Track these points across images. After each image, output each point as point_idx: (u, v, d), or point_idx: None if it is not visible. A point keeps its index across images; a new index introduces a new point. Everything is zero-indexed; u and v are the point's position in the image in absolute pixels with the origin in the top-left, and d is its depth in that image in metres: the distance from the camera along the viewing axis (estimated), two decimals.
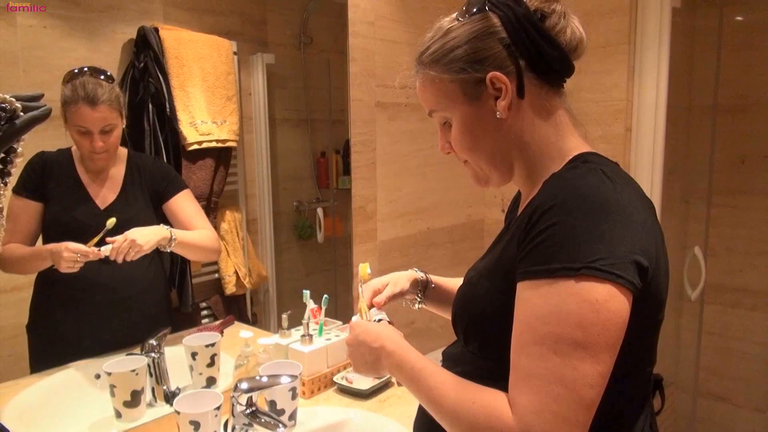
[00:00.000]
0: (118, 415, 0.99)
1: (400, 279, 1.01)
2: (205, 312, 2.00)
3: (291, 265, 2.25)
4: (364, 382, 1.14)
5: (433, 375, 0.74)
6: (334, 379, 1.15)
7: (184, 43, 1.85)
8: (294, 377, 0.92)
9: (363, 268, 0.97)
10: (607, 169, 0.72)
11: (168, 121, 1.80)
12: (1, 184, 0.66)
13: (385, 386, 1.18)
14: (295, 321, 1.28)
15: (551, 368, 0.62)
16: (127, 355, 1.07)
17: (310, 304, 1.22)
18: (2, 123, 0.64)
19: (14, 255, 1.21)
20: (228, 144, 1.94)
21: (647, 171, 2.10)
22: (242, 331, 1.13)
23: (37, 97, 0.70)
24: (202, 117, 1.86)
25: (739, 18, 2.70)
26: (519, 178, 0.81)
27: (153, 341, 1.06)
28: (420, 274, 1.03)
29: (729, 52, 2.68)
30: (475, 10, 0.76)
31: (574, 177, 0.69)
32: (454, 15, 0.79)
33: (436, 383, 0.71)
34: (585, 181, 0.68)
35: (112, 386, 0.98)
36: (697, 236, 2.86)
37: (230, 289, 2.01)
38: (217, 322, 1.39)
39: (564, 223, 0.64)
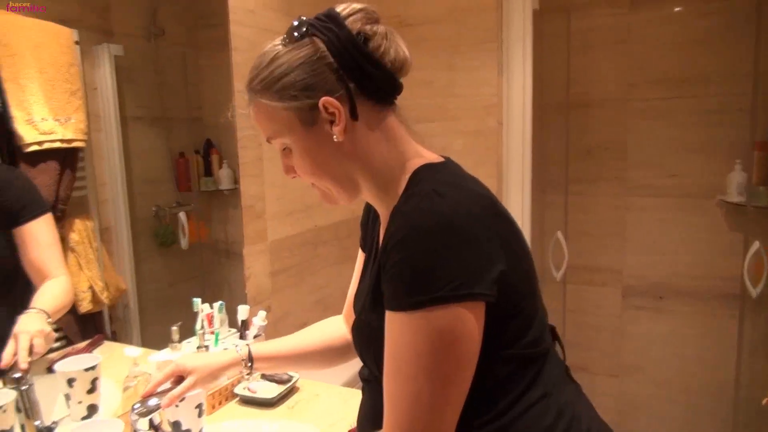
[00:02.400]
0: None
1: (209, 367, 0.93)
2: (56, 335, 1.77)
3: (153, 275, 2.07)
4: (268, 391, 1.06)
5: None
6: (236, 390, 1.06)
7: (14, 29, 1.61)
8: (199, 391, 0.83)
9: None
10: (438, 182, 0.76)
11: (0, 119, 1.56)
12: None
13: (290, 392, 1.11)
14: (166, 335, 1.15)
15: (412, 392, 0.68)
16: None
17: (202, 312, 1.11)
18: None
19: None
20: (74, 144, 1.72)
21: (518, 163, 2.25)
22: (127, 349, 0.99)
23: None
24: (42, 114, 1.64)
25: (581, 24, 3.02)
26: (368, 195, 0.86)
27: (17, 373, 0.90)
28: (243, 353, 0.98)
29: (575, 55, 2.98)
30: (297, 35, 0.77)
31: (411, 210, 0.72)
32: (279, 41, 0.80)
33: None
34: (419, 213, 0.71)
35: None
36: (557, 222, 3.14)
37: (85, 306, 1.80)
38: (84, 343, 1.22)
39: (409, 259, 0.67)
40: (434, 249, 0.66)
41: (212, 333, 1.11)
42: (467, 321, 0.66)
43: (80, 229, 1.80)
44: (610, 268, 3.18)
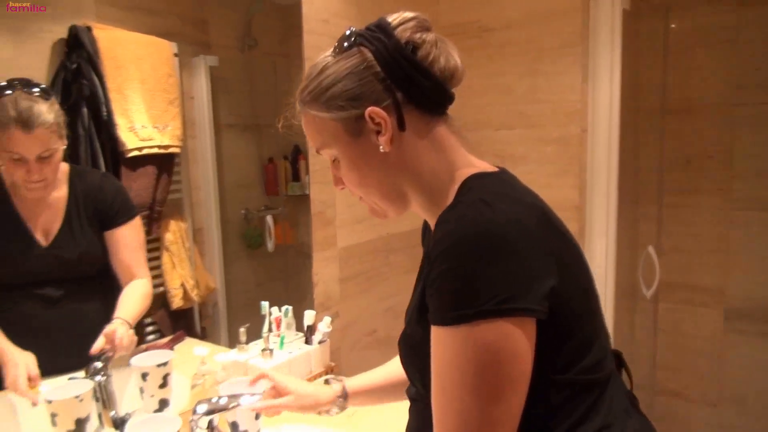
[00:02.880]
0: None
1: (309, 397, 0.95)
2: (150, 328, 1.88)
3: (241, 276, 2.16)
4: None
5: None
6: None
7: (120, 44, 1.74)
8: (256, 395, 0.86)
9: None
10: (487, 192, 0.73)
11: (105, 126, 1.69)
12: None
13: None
14: (252, 334, 1.20)
15: (460, 414, 0.64)
16: (70, 379, 0.97)
17: (270, 316, 1.15)
18: None
19: None
20: (171, 150, 1.84)
21: (603, 172, 2.14)
22: (197, 348, 1.05)
23: None
24: (143, 121, 1.76)
25: (682, 23, 2.82)
26: (418, 207, 0.84)
27: (98, 363, 0.97)
28: (337, 388, 0.99)
29: (674, 56, 2.79)
30: (346, 45, 0.77)
31: (455, 219, 0.69)
32: (329, 52, 0.80)
33: None
34: (464, 222, 0.68)
35: (54, 415, 0.88)
36: (649, 236, 2.94)
37: (177, 303, 1.91)
38: (166, 339, 1.30)
39: (452, 270, 0.65)
40: (479, 260, 0.63)
41: (278, 336, 1.14)
42: (514, 337, 0.63)
43: (174, 230, 1.92)
44: (710, 288, 2.93)
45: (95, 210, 1.14)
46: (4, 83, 1.10)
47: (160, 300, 1.89)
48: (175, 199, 1.95)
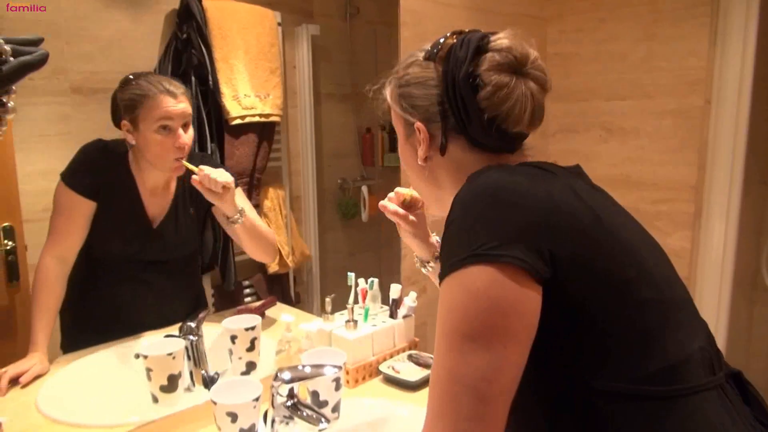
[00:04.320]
0: (155, 399, 0.95)
1: (425, 231, 1.03)
2: (247, 291, 1.97)
3: (335, 245, 2.20)
4: (412, 373, 1.06)
5: None
6: (380, 368, 1.08)
7: (227, 14, 1.79)
8: (339, 368, 0.86)
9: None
10: (515, 166, 0.73)
11: (211, 95, 1.75)
12: None
13: None
14: (339, 304, 1.21)
15: (447, 367, 0.61)
16: (165, 336, 1.03)
17: (357, 287, 1.15)
18: None
19: (36, 292, 1.12)
20: (271, 119, 1.88)
21: (728, 148, 1.93)
22: (283, 315, 1.07)
23: (35, 42, 0.59)
24: (246, 90, 1.81)
25: None
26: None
27: (191, 323, 1.01)
28: (437, 243, 1.04)
29: None
30: (429, 55, 0.79)
31: (469, 178, 0.71)
32: (425, 48, 0.81)
33: None
34: (474, 177, 0.70)
35: (149, 370, 0.94)
36: None
37: (273, 267, 1.97)
38: (258, 303, 1.34)
39: (456, 219, 0.66)
40: (471, 213, 0.64)
41: (363, 308, 1.14)
42: (504, 286, 0.60)
43: (273, 197, 1.97)
44: None
45: (199, 193, 1.20)
46: (131, 75, 1.20)
47: (257, 264, 1.97)
48: (274, 167, 2.00)
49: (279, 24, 1.92)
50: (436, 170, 0.80)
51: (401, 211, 1.01)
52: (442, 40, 0.78)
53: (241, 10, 1.82)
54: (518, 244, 0.61)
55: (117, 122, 1.19)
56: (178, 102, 1.14)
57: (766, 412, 0.71)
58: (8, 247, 1.44)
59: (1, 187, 1.46)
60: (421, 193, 0.87)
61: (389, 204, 1.00)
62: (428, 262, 1.02)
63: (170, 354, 0.93)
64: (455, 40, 0.76)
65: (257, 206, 1.96)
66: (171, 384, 0.95)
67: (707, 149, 1.92)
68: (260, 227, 1.21)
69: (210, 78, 1.73)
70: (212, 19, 1.73)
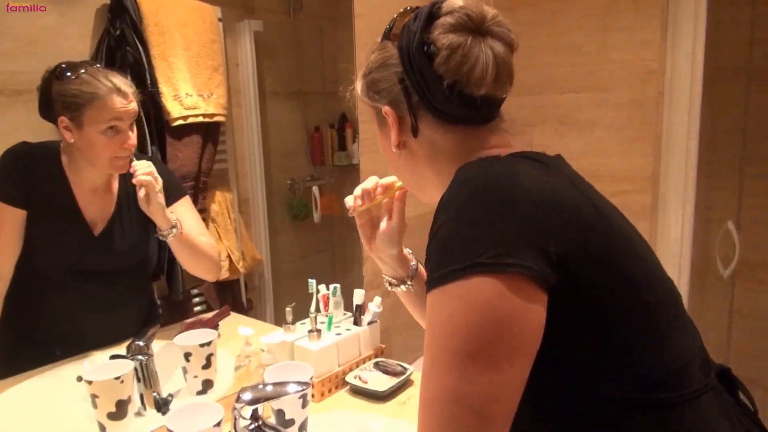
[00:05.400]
0: (102, 428, 0.87)
1: (399, 245, 0.92)
2: (197, 299, 1.87)
3: (286, 247, 2.13)
4: (380, 383, 1.02)
5: None
6: (347, 378, 1.03)
7: (163, 8, 1.69)
8: (305, 384, 0.81)
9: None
10: (510, 158, 0.67)
11: (149, 95, 1.65)
12: None
13: (403, 386, 1.04)
14: (298, 311, 1.15)
15: (447, 387, 0.55)
16: (111, 358, 0.95)
17: (318, 294, 1.10)
18: None
19: None
20: (216, 119, 1.79)
21: (681, 139, 1.96)
22: (241, 328, 1.01)
23: None
24: (187, 90, 1.71)
25: None
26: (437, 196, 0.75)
27: (140, 342, 0.94)
28: (411, 257, 0.95)
29: (764, 7, 2.48)
30: (384, 36, 0.74)
31: (461, 170, 0.64)
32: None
33: None
34: (468, 173, 0.63)
35: (94, 396, 0.85)
36: (727, 210, 2.71)
37: (222, 274, 1.89)
38: (211, 314, 1.27)
39: (448, 223, 0.59)
40: (468, 215, 0.58)
41: (326, 316, 1.09)
42: (510, 298, 0.54)
43: (220, 201, 1.89)
44: None
45: None
46: (72, 63, 1.07)
47: None
48: (220, 170, 1.91)
49: (220, 20, 1.83)
50: (414, 156, 0.74)
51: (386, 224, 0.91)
52: (396, 16, 0.73)
53: (179, 5, 1.73)
54: (524, 250, 0.56)
55: (50, 117, 1.07)
56: (128, 102, 1.05)
57: (755, 409, 0.70)
58: None
59: None
60: (407, 184, 0.81)
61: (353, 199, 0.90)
62: (404, 281, 0.92)
63: (118, 378, 0.85)
64: (402, 17, 0.73)
65: (203, 210, 1.87)
66: (120, 410, 0.87)
67: (662, 140, 1.95)
68: (197, 242, 1.10)
69: (148, 77, 1.63)
70: (147, 14, 1.63)
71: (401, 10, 0.73)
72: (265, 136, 2.04)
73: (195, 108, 1.72)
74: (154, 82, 1.62)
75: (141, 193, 1.04)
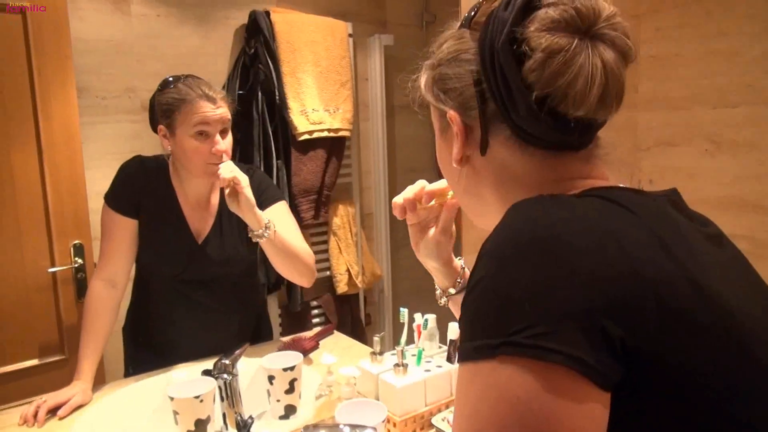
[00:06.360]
0: None
1: (448, 249, 0.77)
2: (315, 311, 1.90)
3: (408, 263, 2.09)
4: None
5: None
6: (433, 421, 0.96)
7: (296, 27, 1.74)
8: (372, 429, 0.75)
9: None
10: (580, 200, 0.50)
11: (278, 110, 1.70)
12: None
13: None
14: (395, 339, 1.09)
15: None
16: (203, 372, 0.97)
17: (413, 323, 1.03)
18: None
19: (85, 318, 1.10)
20: (341, 133, 1.81)
21: None
22: (325, 355, 0.97)
23: None
24: (314, 105, 1.75)
25: None
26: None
27: (226, 360, 0.95)
28: (461, 268, 0.78)
29: None
30: (463, 23, 0.57)
31: (513, 211, 0.49)
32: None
33: None
34: (517, 216, 0.48)
35: (175, 413, 0.87)
36: None
37: (342, 288, 1.90)
38: (314, 332, 1.26)
39: (487, 280, 0.46)
40: (509, 274, 0.45)
41: (416, 347, 1.02)
42: (559, 400, 0.42)
43: (342, 215, 1.90)
44: None
45: None
46: (171, 78, 1.14)
47: (326, 284, 1.90)
48: (344, 183, 1.93)
49: (350, 35, 1.85)
50: (477, 176, 0.59)
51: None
52: (479, 3, 0.57)
53: (311, 23, 1.77)
54: (575, 332, 0.42)
55: (154, 127, 1.14)
56: (216, 107, 1.07)
57: None
58: (77, 265, 1.46)
59: (71, 206, 1.48)
60: (462, 205, 0.66)
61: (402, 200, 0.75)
62: (448, 290, 0.77)
63: (197, 397, 0.86)
64: (500, 1, 0.54)
65: (325, 224, 1.90)
66: (199, 429, 0.88)
67: None
68: (292, 246, 1.07)
69: (277, 92, 1.68)
70: (280, 32, 1.69)
71: None
72: (390, 150, 2.02)
73: (321, 123, 1.75)
74: (283, 98, 1.68)
75: (227, 191, 1.05)
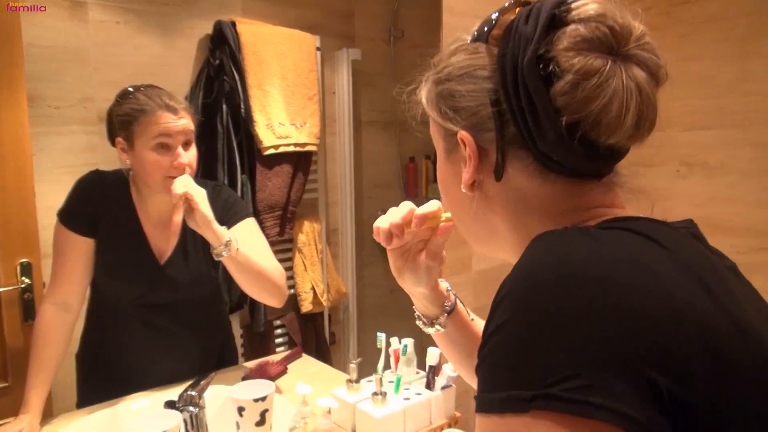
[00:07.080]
0: None
1: (434, 275, 0.70)
2: (279, 331, 1.85)
3: (374, 281, 2.06)
4: None
5: None
6: None
7: (262, 38, 1.69)
8: None
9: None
10: (608, 234, 0.45)
11: (243, 123, 1.65)
12: None
13: None
14: (369, 367, 1.04)
15: None
16: (166, 404, 0.91)
17: (389, 347, 0.99)
18: None
19: (33, 345, 1.02)
20: (307, 148, 1.76)
21: None
22: (299, 385, 0.92)
23: None
24: (280, 118, 1.70)
25: None
26: (506, 255, 0.54)
27: (192, 391, 0.89)
28: (452, 297, 0.73)
29: None
30: (477, 34, 0.53)
31: (536, 245, 0.45)
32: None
33: None
34: (541, 252, 0.44)
35: None
36: None
37: (306, 306, 1.85)
38: (281, 356, 1.21)
39: (511, 324, 0.41)
40: (539, 318, 0.40)
41: (394, 374, 0.99)
42: None
43: (308, 231, 1.85)
44: None
45: None
46: (131, 87, 1.07)
47: (290, 302, 1.84)
48: (310, 199, 1.88)
49: (318, 49, 1.81)
50: (487, 202, 0.55)
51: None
52: (496, 15, 0.52)
53: (278, 35, 1.73)
54: (620, 383, 0.38)
55: (112, 139, 1.06)
56: (178, 118, 1.01)
57: None
58: (24, 285, 1.36)
59: (19, 221, 1.39)
60: (466, 232, 0.60)
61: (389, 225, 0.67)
62: (436, 319, 0.72)
63: None
64: (518, 12, 0.50)
65: (290, 241, 1.84)
66: None
67: None
68: (257, 264, 1.01)
69: (242, 105, 1.63)
70: (246, 44, 1.64)
71: (506, 3, 0.52)
72: (357, 166, 1.99)
73: (287, 137, 1.70)
74: (248, 111, 1.62)
75: (182, 206, 0.99)
